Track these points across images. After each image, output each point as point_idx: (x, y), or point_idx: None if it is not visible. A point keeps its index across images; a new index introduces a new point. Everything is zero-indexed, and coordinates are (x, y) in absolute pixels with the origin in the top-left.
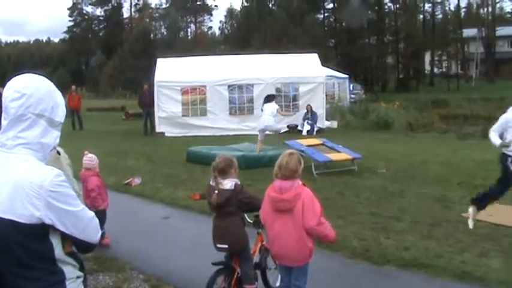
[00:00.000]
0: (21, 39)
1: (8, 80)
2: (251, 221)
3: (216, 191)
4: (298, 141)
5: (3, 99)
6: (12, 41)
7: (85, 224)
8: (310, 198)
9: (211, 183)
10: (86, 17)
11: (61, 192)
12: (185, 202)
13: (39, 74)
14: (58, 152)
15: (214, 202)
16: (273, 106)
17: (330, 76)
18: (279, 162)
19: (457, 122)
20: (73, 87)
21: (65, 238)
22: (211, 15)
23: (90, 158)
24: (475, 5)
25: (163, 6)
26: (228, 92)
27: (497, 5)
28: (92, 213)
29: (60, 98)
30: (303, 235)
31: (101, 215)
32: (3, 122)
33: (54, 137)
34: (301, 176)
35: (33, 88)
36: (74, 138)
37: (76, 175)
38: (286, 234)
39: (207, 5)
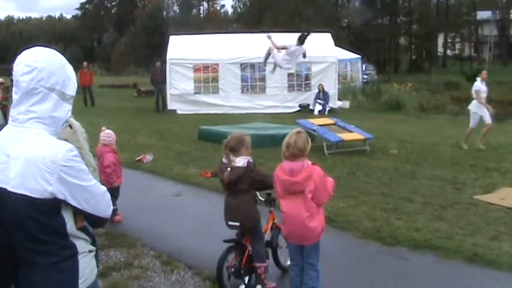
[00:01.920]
0: (34, 15)
1: (19, 56)
2: (263, 199)
3: (229, 168)
4: (310, 120)
5: (14, 73)
6: (24, 17)
7: (97, 199)
8: (321, 178)
9: (224, 160)
10: None
11: (73, 166)
12: (197, 179)
13: (49, 47)
14: (70, 126)
15: (227, 179)
16: None
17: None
18: (287, 141)
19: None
20: (85, 63)
21: (77, 213)
22: None
23: (107, 134)
24: None
25: None
26: (240, 70)
27: None
28: (104, 188)
29: (71, 71)
30: (314, 213)
31: (114, 191)
32: (14, 96)
33: (66, 110)
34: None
35: (44, 61)
36: (85, 114)
37: (90, 151)
38: (297, 213)
39: None
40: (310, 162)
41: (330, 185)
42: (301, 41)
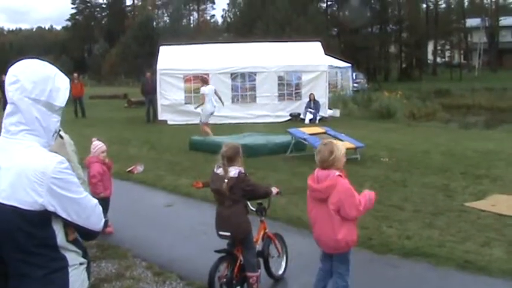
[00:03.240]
0: (25, 26)
1: (10, 68)
2: (254, 209)
3: (226, 180)
4: (301, 129)
5: (5, 84)
6: (14, 28)
7: (88, 212)
8: (346, 191)
9: (216, 170)
10: (89, 4)
11: (64, 179)
12: (188, 190)
13: (41, 59)
14: (61, 136)
15: (225, 190)
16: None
17: (333, 66)
18: (316, 150)
19: (459, 112)
20: (75, 74)
21: (68, 225)
22: (213, 3)
23: (94, 145)
24: None
25: None
26: (230, 80)
27: None
28: (95, 201)
29: (62, 82)
30: (336, 225)
31: (104, 203)
32: (7, 107)
33: (54, 121)
34: (339, 166)
35: (29, 73)
36: (76, 125)
37: (80, 162)
38: (322, 222)
39: None
40: (337, 173)
41: (361, 200)
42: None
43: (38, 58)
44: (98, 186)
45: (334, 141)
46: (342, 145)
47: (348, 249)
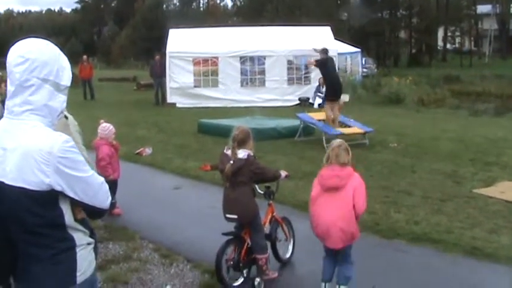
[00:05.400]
0: (35, 9)
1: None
2: (262, 192)
3: (231, 161)
4: (310, 114)
5: (7, 65)
6: (24, 10)
7: (95, 190)
8: (361, 185)
9: (225, 151)
10: None
11: (70, 158)
12: (196, 172)
13: (43, 38)
14: (66, 117)
15: (228, 171)
16: None
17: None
18: (328, 154)
19: (469, 99)
20: (84, 57)
21: (75, 205)
22: None
23: (103, 127)
24: None
25: None
26: (239, 63)
27: None
28: (102, 179)
29: (66, 61)
30: (347, 215)
31: (112, 185)
32: (10, 88)
33: (60, 101)
34: (351, 165)
35: (36, 52)
36: (85, 107)
37: (87, 143)
38: (328, 212)
39: None
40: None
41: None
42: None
43: (40, 37)
44: (107, 169)
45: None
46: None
47: (351, 242)
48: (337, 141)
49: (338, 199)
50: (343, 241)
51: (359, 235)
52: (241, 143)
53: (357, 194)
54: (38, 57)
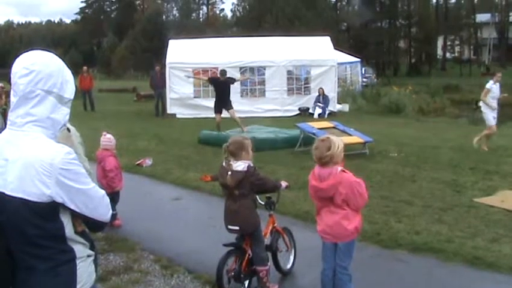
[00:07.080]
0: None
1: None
2: (263, 203)
3: (229, 173)
4: (310, 123)
5: (12, 76)
6: (24, 22)
7: (96, 203)
8: (351, 185)
9: (223, 164)
10: None
11: (72, 170)
12: (196, 183)
13: (48, 51)
14: (68, 129)
15: (229, 184)
16: None
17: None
18: (313, 146)
19: (469, 108)
20: (84, 68)
21: (76, 217)
22: None
23: (108, 139)
24: None
25: None
26: (239, 74)
27: None
28: (103, 192)
29: (69, 74)
30: (346, 214)
31: (115, 196)
32: (13, 100)
33: (63, 113)
34: (337, 161)
35: (41, 64)
36: (85, 119)
37: (88, 155)
38: (328, 215)
39: None
40: (339, 169)
41: (363, 191)
42: None
43: (43, 49)
44: (115, 180)
45: (332, 136)
46: (340, 140)
47: (354, 236)
48: (323, 136)
49: (333, 204)
50: (343, 237)
51: (361, 225)
52: (232, 154)
53: (350, 198)
54: (43, 69)
